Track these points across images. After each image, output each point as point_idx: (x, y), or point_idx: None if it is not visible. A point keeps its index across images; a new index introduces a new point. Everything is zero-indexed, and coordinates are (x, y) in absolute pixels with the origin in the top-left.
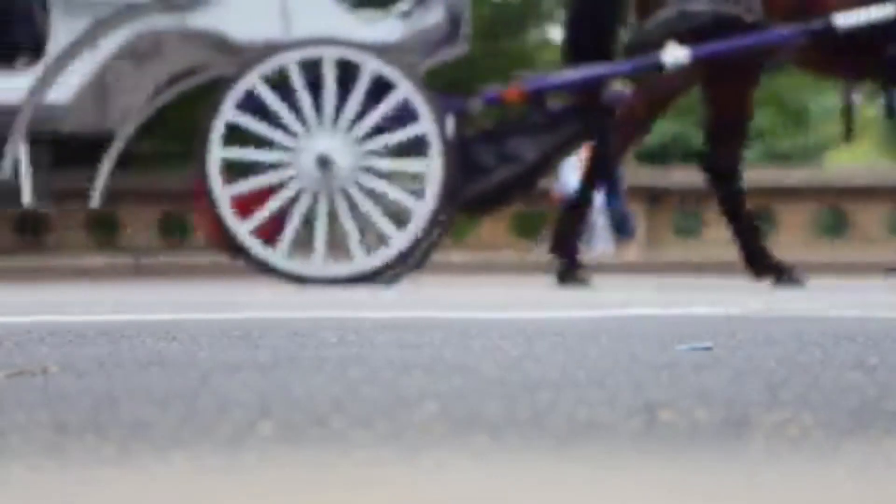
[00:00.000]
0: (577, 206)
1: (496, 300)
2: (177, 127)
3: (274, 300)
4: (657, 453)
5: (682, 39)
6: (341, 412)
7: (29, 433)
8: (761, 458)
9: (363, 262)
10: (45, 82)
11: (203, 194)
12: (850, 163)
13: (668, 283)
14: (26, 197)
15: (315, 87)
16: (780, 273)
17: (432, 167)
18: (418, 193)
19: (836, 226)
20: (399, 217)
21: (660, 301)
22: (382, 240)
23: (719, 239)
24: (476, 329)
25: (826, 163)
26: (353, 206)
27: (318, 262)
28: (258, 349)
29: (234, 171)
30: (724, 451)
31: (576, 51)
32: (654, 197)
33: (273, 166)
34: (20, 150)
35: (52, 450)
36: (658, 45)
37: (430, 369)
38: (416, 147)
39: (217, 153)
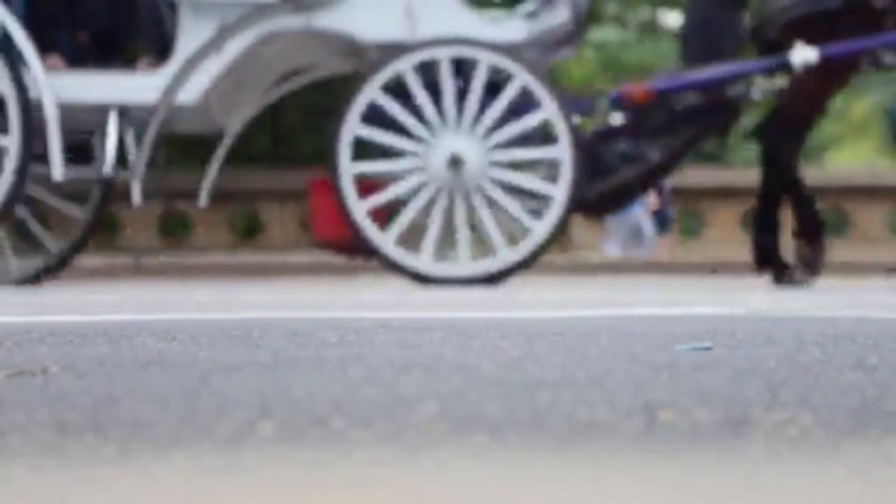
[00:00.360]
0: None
1: (496, 300)
2: None
3: (274, 300)
4: (657, 453)
5: (802, 23)
6: (341, 412)
7: (29, 433)
8: (761, 458)
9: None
10: (177, 83)
11: (319, 193)
12: (850, 163)
13: (668, 282)
14: (136, 197)
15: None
16: (783, 272)
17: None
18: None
19: (836, 226)
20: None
21: (660, 301)
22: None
23: (720, 239)
24: (476, 329)
25: (826, 163)
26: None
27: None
28: (258, 349)
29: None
30: (724, 451)
31: (694, 50)
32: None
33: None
34: (144, 150)
35: (52, 450)
36: (780, 26)
37: (430, 369)
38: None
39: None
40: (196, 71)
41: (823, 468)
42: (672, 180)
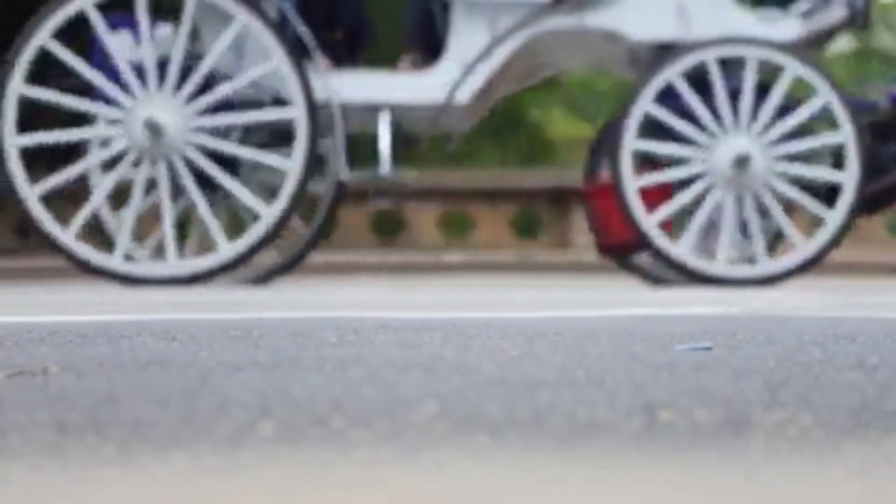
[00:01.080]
0: None
1: (496, 300)
2: None
3: (274, 300)
4: (657, 453)
5: None
6: (341, 412)
7: (29, 433)
8: (761, 458)
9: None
10: (459, 83)
11: (603, 198)
12: None
13: (668, 283)
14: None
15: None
16: None
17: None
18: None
19: None
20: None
21: (660, 301)
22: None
23: None
24: (476, 329)
25: None
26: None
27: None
28: (258, 349)
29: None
30: (724, 451)
31: None
32: None
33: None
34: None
35: (52, 450)
36: None
37: (430, 369)
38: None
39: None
40: (472, 72)
41: (823, 468)
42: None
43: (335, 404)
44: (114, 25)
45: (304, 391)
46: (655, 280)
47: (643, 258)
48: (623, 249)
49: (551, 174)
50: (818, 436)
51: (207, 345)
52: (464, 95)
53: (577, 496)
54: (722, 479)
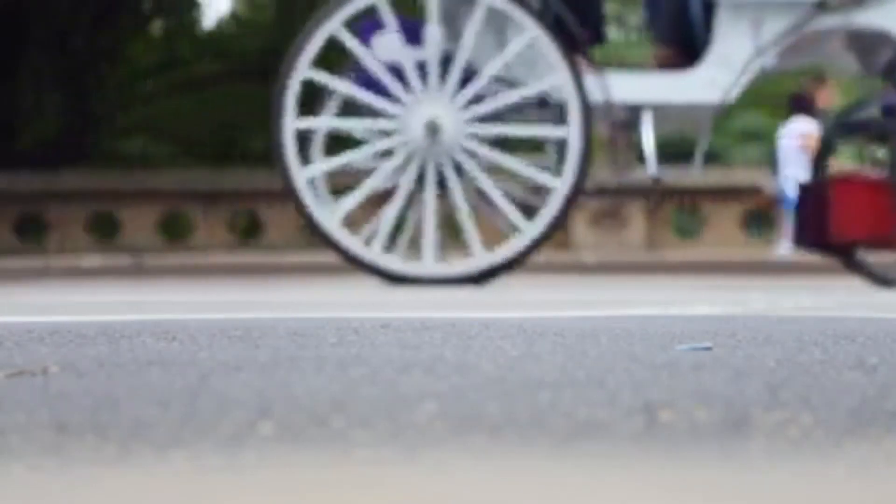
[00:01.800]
0: None
1: (495, 300)
2: (169, 127)
3: (274, 300)
4: (657, 453)
5: None
6: (341, 412)
7: (29, 433)
8: (761, 458)
9: None
10: (732, 85)
11: (846, 191)
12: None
13: (668, 283)
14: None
15: None
16: None
17: None
18: None
19: None
20: None
21: (660, 301)
22: None
23: (720, 239)
24: (476, 329)
25: None
26: None
27: None
28: (258, 349)
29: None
30: (724, 451)
31: None
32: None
33: None
34: (701, 149)
35: (52, 450)
36: None
37: (430, 369)
38: None
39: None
40: (744, 72)
41: (824, 468)
42: (672, 180)
43: (335, 404)
44: (377, 25)
45: (304, 391)
46: (883, 282)
47: (872, 259)
48: (861, 245)
49: None
50: (818, 436)
51: (207, 345)
52: (732, 95)
53: (577, 496)
54: (722, 479)
